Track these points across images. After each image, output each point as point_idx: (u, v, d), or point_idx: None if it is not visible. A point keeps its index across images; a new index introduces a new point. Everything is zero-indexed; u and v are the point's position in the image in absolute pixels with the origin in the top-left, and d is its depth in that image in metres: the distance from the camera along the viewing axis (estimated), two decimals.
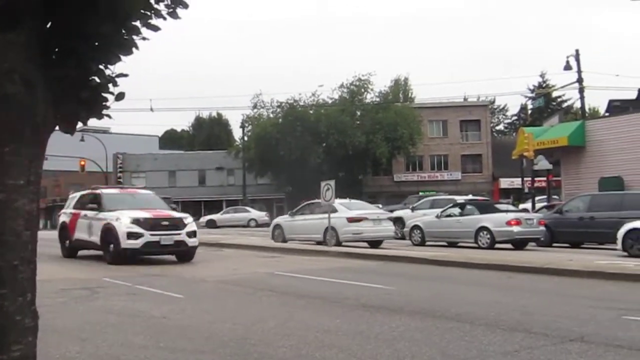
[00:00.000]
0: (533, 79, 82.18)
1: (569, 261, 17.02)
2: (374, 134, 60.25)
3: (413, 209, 32.13)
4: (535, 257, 19.43)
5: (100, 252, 19.59)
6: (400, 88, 68.87)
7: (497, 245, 23.69)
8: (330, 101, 63.86)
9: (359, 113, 64.39)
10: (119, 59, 4.09)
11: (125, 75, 4.18)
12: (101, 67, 4.08)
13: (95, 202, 19.88)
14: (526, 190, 46.95)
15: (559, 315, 9.74)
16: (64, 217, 22.03)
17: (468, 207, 26.40)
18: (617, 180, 31.67)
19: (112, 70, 4.12)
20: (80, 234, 20.28)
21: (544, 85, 77.29)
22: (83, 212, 20.35)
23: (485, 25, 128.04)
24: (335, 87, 64.57)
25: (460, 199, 32.28)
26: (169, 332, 8.84)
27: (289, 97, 63.79)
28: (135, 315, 10.18)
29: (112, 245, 18.37)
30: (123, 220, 18.20)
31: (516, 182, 56.62)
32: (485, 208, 26.08)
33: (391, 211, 33.48)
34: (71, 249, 21.14)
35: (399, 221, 30.13)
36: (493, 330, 8.64)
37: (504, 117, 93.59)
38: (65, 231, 21.45)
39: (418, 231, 26.47)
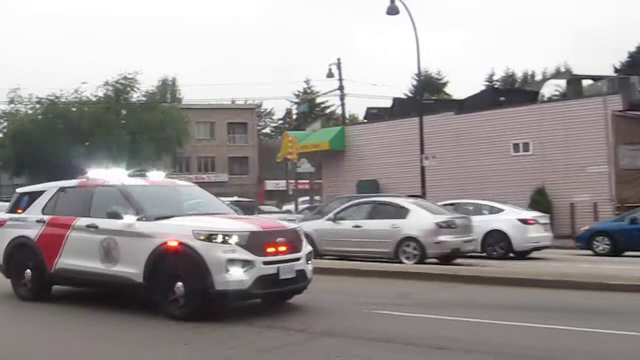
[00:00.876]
0: (299, 85, 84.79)
1: (321, 259, 17.70)
2: (140, 134, 58.96)
3: None
4: None
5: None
6: (168, 88, 68.05)
7: None
8: (94, 99, 61.54)
9: (124, 112, 62.64)
10: None
11: None
12: None
13: (116, 204, 10.75)
14: (290, 192, 48.30)
15: (313, 311, 10.12)
16: (21, 230, 12.02)
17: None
18: (373, 184, 33.61)
19: None
20: (75, 261, 10.99)
21: (309, 91, 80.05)
22: (81, 221, 11.11)
23: (253, 30, 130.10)
24: (100, 84, 62.22)
25: (226, 200, 32.46)
26: None
27: (49, 93, 60.58)
28: None
29: (181, 285, 9.60)
30: (216, 238, 9.67)
31: (281, 185, 58.06)
32: (249, 210, 26.45)
33: None
34: (43, 286, 11.56)
35: None
36: (251, 328, 8.78)
37: (270, 121, 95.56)
38: (30, 254, 11.67)
39: None
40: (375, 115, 44.74)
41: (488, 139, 32.01)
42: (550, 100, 40.41)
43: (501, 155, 31.81)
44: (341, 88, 45.39)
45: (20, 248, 11.87)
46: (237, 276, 9.49)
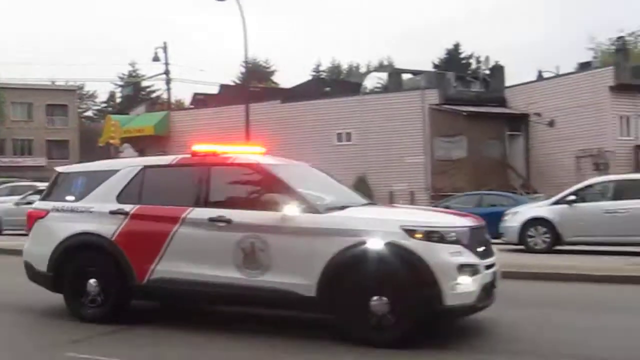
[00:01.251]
0: (123, 68, 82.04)
1: None
2: None
3: None
4: None
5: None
6: None
7: None
8: None
9: None
10: None
11: None
12: None
13: (259, 189, 7.79)
14: None
15: None
16: (82, 224, 8.39)
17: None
18: None
19: None
20: (189, 267, 7.70)
21: (134, 74, 77.99)
22: (196, 212, 7.79)
23: (76, 7, 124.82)
24: None
25: (42, 185, 31.07)
26: None
27: None
28: None
29: (380, 300, 6.86)
30: (435, 236, 7.03)
31: None
32: None
33: None
34: (121, 302, 8.16)
35: None
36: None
37: (93, 103, 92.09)
38: (102, 258, 8.18)
39: None
40: (201, 100, 44.44)
41: (313, 128, 32.67)
42: (372, 92, 41.82)
43: (325, 143, 32.57)
44: (167, 72, 44.65)
45: (81, 249, 8.37)
46: (467, 286, 6.99)
